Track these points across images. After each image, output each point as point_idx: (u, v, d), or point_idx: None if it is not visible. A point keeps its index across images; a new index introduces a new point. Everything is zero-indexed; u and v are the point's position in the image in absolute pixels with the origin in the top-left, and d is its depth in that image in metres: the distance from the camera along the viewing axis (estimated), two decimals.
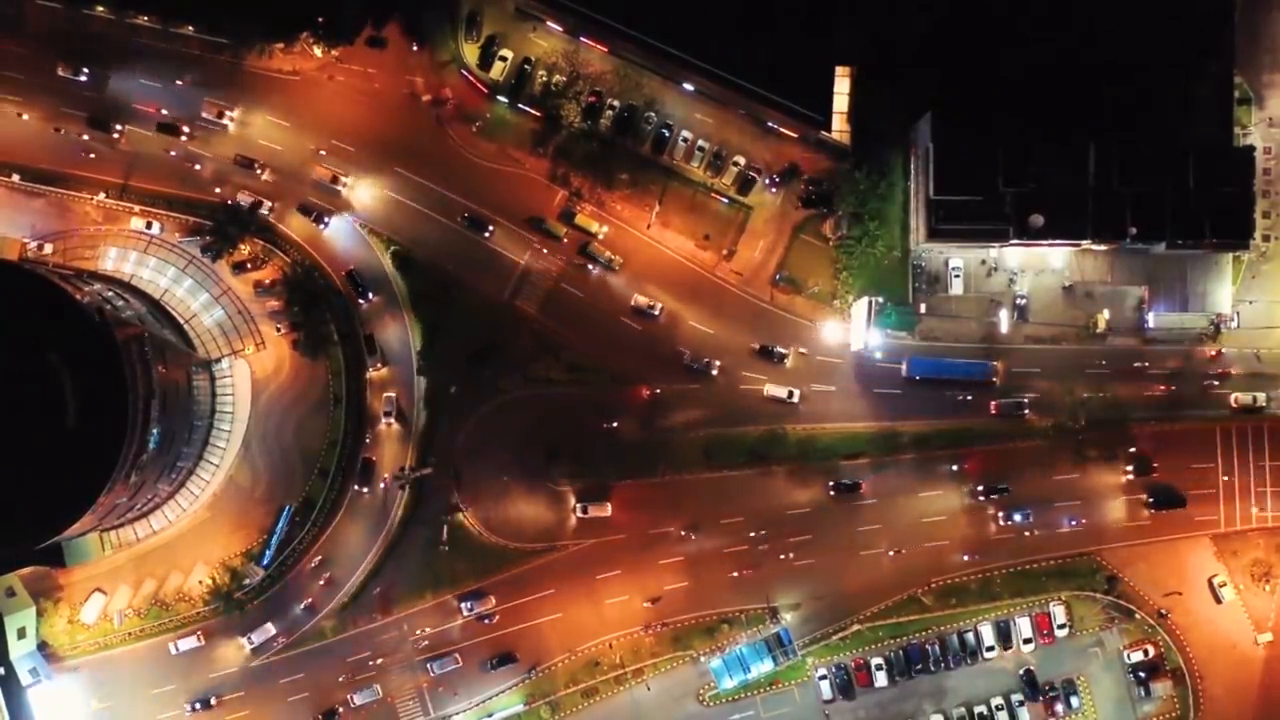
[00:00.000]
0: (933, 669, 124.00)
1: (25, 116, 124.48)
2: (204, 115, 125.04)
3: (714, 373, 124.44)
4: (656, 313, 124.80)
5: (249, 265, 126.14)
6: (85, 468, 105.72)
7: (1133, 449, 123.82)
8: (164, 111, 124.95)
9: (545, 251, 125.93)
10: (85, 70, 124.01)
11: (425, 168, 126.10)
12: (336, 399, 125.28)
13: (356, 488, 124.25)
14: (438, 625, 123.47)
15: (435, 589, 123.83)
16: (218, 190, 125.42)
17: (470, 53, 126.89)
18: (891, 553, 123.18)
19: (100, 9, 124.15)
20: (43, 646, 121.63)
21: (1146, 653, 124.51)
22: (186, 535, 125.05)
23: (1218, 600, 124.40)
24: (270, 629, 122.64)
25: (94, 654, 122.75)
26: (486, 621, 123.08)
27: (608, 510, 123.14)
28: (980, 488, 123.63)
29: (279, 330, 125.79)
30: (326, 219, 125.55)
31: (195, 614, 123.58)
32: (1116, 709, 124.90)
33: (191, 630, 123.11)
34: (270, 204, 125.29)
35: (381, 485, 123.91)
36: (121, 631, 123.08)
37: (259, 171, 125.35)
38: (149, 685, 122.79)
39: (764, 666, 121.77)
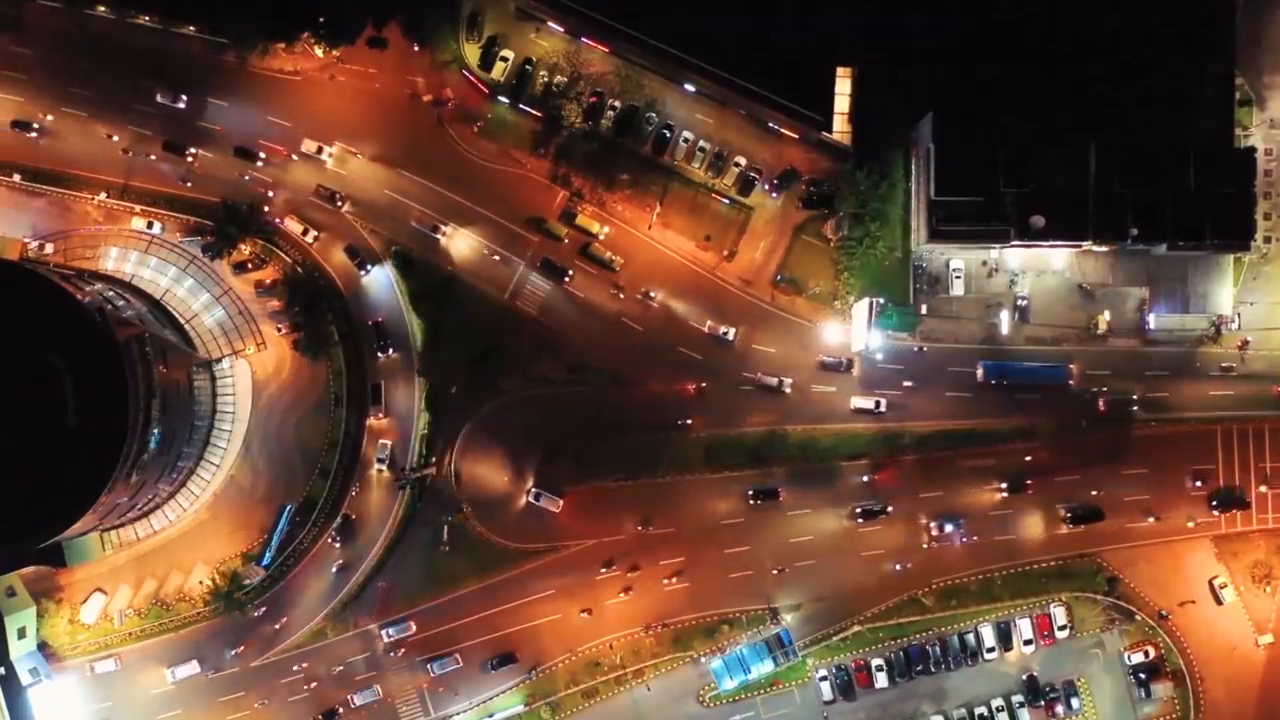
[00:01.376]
0: (933, 670, 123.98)
1: (115, 138, 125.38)
2: (303, 149, 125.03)
3: (785, 389, 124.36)
4: (731, 337, 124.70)
5: (250, 265, 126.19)
6: (86, 467, 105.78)
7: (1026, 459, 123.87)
8: (262, 142, 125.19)
9: (546, 251, 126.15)
10: (184, 97, 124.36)
11: (426, 168, 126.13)
12: (337, 399, 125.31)
13: (331, 541, 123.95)
14: (353, 655, 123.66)
15: (436, 589, 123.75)
16: (279, 221, 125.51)
17: (471, 53, 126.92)
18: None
19: (101, 9, 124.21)
20: (43, 646, 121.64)
21: (1147, 654, 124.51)
22: (187, 535, 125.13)
23: (1218, 602, 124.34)
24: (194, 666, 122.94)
25: (94, 654, 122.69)
26: (393, 655, 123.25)
27: (558, 505, 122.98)
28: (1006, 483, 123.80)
29: (280, 330, 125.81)
30: (370, 266, 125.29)
31: (195, 614, 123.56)
32: (1117, 710, 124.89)
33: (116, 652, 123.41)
34: (317, 234, 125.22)
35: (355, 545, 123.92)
36: (122, 631, 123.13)
37: (339, 204, 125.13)
38: (149, 685, 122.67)
39: (764, 667, 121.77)
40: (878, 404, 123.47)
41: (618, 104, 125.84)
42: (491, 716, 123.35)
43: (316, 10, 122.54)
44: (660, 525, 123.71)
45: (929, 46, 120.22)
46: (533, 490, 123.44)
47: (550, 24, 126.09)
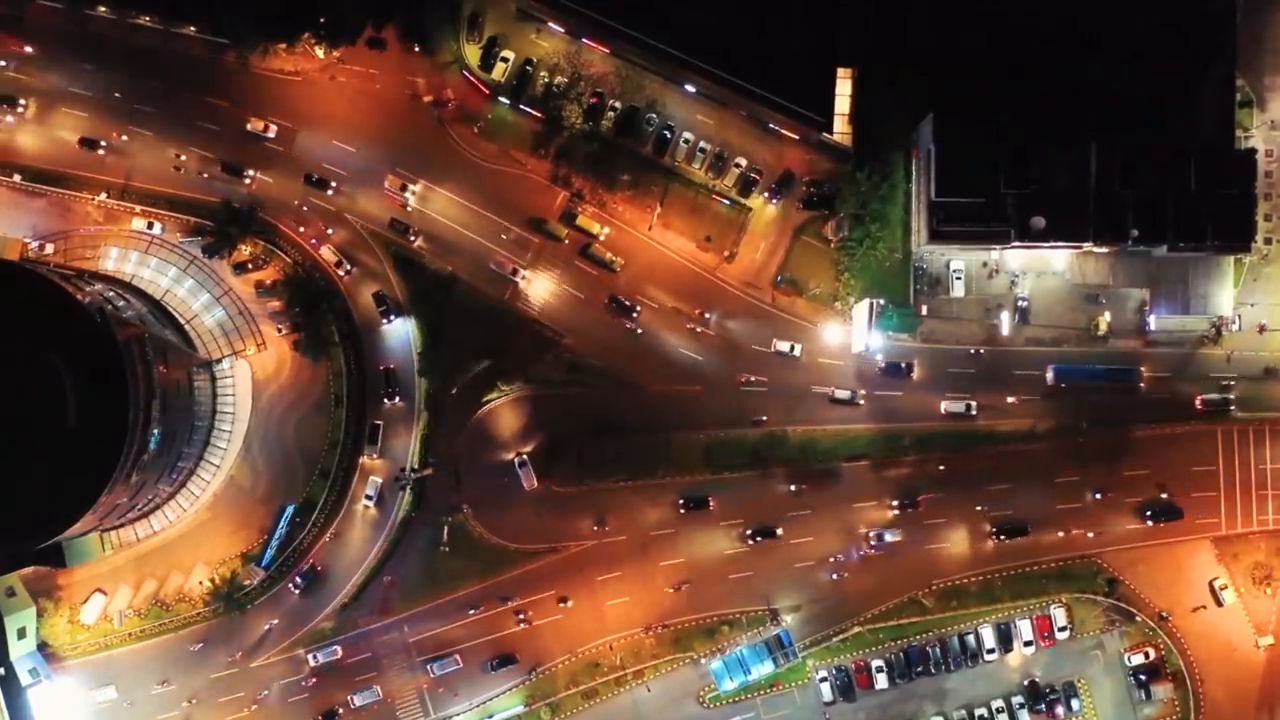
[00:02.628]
0: (933, 671, 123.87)
1: (183, 158, 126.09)
2: (385, 187, 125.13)
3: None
4: (798, 354, 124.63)
5: (250, 266, 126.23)
6: (86, 468, 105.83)
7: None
8: (341, 173, 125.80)
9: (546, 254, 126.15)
10: (274, 127, 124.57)
11: (426, 169, 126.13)
12: (337, 399, 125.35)
13: (292, 587, 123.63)
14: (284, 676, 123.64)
15: (435, 590, 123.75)
16: (324, 253, 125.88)
17: (472, 54, 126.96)
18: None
19: (102, 9, 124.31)
20: (43, 646, 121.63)
21: (1147, 655, 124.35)
22: (187, 535, 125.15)
23: (1219, 603, 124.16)
24: None
25: (94, 654, 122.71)
26: (305, 684, 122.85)
27: (533, 482, 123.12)
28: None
29: (280, 331, 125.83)
30: (394, 316, 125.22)
31: (195, 614, 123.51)
32: (1117, 712, 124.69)
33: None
34: (350, 268, 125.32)
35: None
36: (122, 632, 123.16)
37: (413, 239, 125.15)
38: (149, 685, 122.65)
39: (764, 668, 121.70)
40: (969, 407, 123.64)
41: (618, 105, 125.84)
42: (491, 717, 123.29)
43: (317, 11, 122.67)
44: (661, 526, 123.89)
45: (929, 47, 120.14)
46: (519, 457, 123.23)
47: (551, 25, 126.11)
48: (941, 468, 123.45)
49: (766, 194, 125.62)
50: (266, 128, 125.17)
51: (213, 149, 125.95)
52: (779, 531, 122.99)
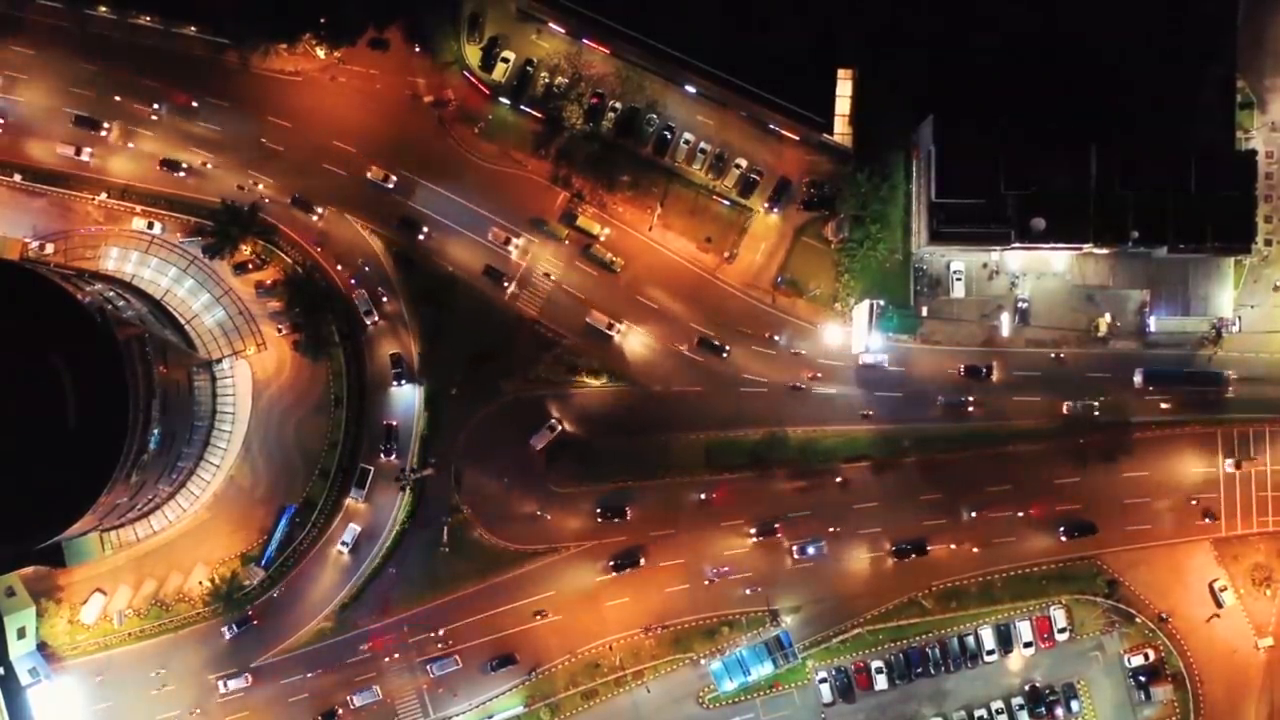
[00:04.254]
0: (933, 672, 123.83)
1: (260, 187, 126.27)
2: (488, 238, 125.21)
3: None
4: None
5: (250, 266, 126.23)
6: (86, 468, 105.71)
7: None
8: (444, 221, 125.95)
9: (546, 253, 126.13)
10: (394, 177, 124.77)
11: (427, 169, 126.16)
12: (337, 400, 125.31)
13: (227, 633, 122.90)
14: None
15: (435, 591, 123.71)
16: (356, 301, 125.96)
17: (472, 54, 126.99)
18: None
19: (102, 9, 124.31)
20: (43, 646, 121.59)
21: (1147, 657, 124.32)
22: (187, 535, 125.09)
23: (1218, 604, 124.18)
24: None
25: (94, 654, 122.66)
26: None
27: (543, 442, 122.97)
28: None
29: (280, 331, 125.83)
30: (405, 381, 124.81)
31: (195, 614, 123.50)
32: (1117, 713, 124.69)
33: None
34: (377, 320, 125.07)
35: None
36: (121, 632, 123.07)
37: (507, 285, 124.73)
38: (149, 686, 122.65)
39: (764, 669, 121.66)
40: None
41: (619, 105, 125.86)
42: (491, 718, 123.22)
43: (318, 11, 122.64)
44: (661, 526, 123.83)
45: (930, 48, 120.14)
46: (552, 421, 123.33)
47: (551, 25, 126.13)
48: (839, 479, 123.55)
49: (766, 203, 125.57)
50: (387, 178, 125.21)
51: (282, 178, 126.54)
52: (641, 560, 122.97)
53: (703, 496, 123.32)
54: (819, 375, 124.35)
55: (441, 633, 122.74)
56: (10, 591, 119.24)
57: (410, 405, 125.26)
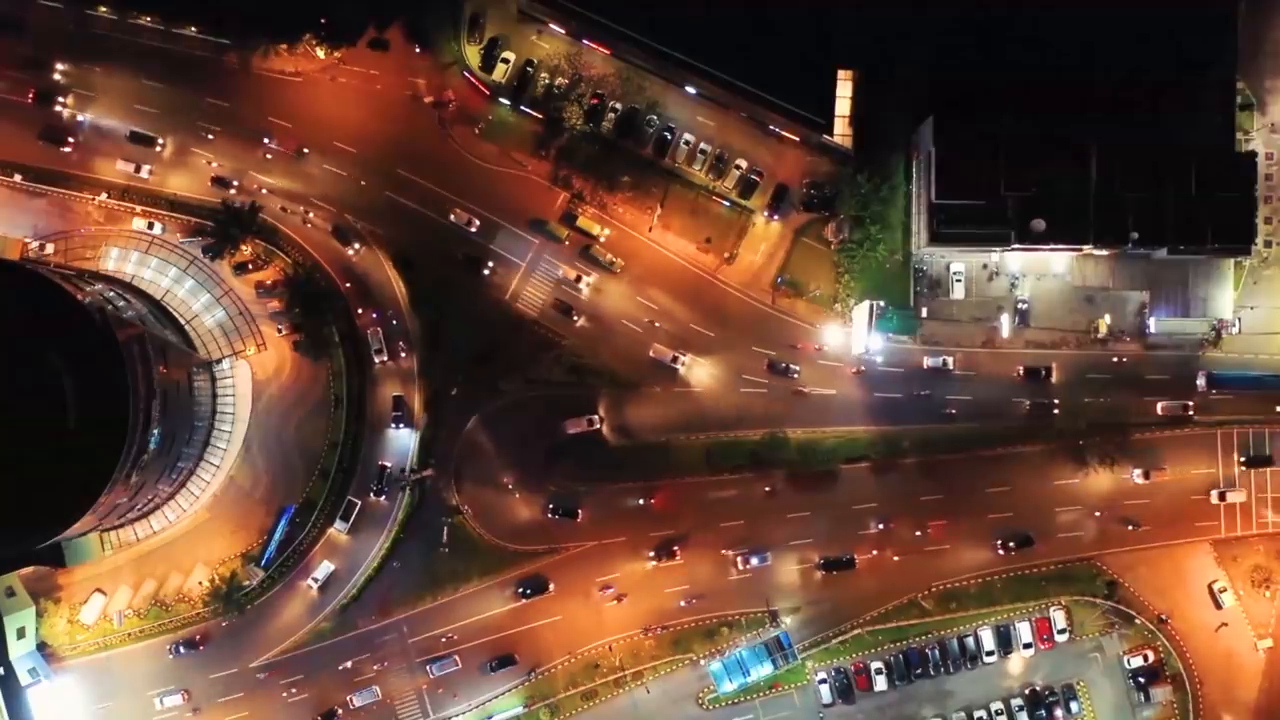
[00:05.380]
0: (933, 673, 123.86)
1: (314, 218, 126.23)
2: (560, 273, 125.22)
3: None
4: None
5: (250, 266, 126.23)
6: (86, 468, 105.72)
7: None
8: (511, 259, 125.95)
9: (546, 254, 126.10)
10: (477, 221, 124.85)
11: (427, 169, 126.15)
12: (337, 400, 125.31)
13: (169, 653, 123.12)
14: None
15: (436, 591, 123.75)
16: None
17: (473, 55, 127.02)
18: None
19: (103, 9, 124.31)
20: (43, 646, 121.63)
21: (1146, 658, 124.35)
22: (187, 536, 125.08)
23: (1218, 606, 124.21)
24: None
25: (94, 654, 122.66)
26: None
27: (591, 424, 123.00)
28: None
29: (280, 331, 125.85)
30: (403, 425, 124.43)
31: (195, 614, 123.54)
32: (1116, 714, 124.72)
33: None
34: (385, 359, 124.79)
35: None
36: (121, 632, 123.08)
37: (576, 319, 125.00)
38: (148, 686, 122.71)
39: (763, 670, 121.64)
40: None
41: (619, 106, 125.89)
42: (491, 718, 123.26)
43: (318, 12, 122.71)
44: (662, 527, 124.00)
45: (930, 49, 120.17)
46: (590, 419, 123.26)
47: (552, 26, 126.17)
48: (767, 489, 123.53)
49: (766, 212, 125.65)
50: (470, 221, 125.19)
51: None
52: (551, 586, 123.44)
53: (641, 501, 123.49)
54: (862, 369, 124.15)
55: (452, 633, 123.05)
56: (10, 591, 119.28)
57: (404, 449, 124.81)
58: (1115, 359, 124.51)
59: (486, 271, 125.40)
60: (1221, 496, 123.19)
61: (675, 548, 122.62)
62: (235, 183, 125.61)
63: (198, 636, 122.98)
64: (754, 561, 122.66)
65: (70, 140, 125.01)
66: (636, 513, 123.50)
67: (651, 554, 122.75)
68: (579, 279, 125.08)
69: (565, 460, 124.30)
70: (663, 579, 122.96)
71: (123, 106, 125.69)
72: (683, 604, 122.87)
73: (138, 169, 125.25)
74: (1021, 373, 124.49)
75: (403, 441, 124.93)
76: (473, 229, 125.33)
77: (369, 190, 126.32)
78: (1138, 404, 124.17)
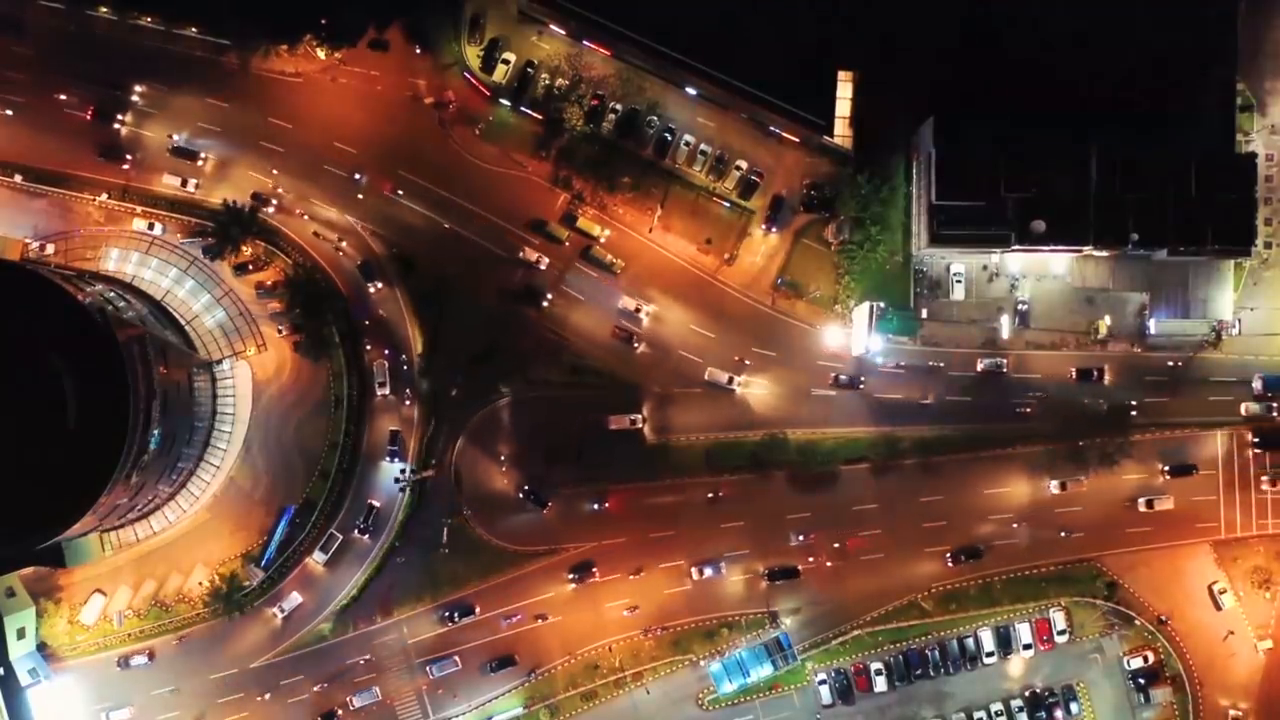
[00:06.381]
0: (932, 674, 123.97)
1: (346, 246, 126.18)
2: (621, 305, 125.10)
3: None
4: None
5: (251, 267, 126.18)
6: (86, 468, 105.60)
7: None
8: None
9: (547, 255, 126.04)
10: (546, 259, 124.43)
11: (427, 170, 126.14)
12: (337, 401, 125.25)
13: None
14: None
15: (435, 592, 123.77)
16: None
17: (473, 56, 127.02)
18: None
19: (103, 10, 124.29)
20: (42, 647, 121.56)
21: (1146, 659, 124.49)
22: (187, 536, 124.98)
23: (1218, 607, 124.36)
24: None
25: (94, 654, 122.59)
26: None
27: (634, 423, 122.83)
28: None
29: (280, 332, 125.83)
30: (397, 459, 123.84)
31: (195, 615, 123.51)
32: (1116, 715, 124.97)
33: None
34: (388, 393, 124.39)
35: None
36: (121, 632, 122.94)
37: (636, 346, 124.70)
38: (148, 686, 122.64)
39: (763, 671, 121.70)
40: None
41: (619, 107, 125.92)
42: (491, 719, 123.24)
43: (318, 12, 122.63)
44: (661, 528, 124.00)
45: (930, 50, 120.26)
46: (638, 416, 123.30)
47: (552, 27, 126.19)
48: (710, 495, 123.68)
49: (764, 225, 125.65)
50: (539, 260, 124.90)
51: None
52: (476, 610, 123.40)
53: (596, 506, 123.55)
54: (900, 364, 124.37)
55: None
56: (10, 592, 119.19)
57: (396, 488, 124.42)
58: (1171, 363, 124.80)
59: (545, 303, 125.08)
60: (1149, 504, 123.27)
61: (594, 569, 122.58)
62: (275, 201, 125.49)
63: (148, 652, 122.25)
64: (708, 572, 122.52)
65: (128, 157, 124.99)
66: (604, 517, 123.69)
67: (571, 575, 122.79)
68: (638, 309, 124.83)
69: (565, 461, 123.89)
70: (601, 594, 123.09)
71: (190, 125, 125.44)
72: (625, 613, 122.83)
73: (184, 183, 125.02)
74: (1074, 374, 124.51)
75: (395, 475, 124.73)
76: (541, 265, 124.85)
77: (415, 218, 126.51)
78: (1202, 404, 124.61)
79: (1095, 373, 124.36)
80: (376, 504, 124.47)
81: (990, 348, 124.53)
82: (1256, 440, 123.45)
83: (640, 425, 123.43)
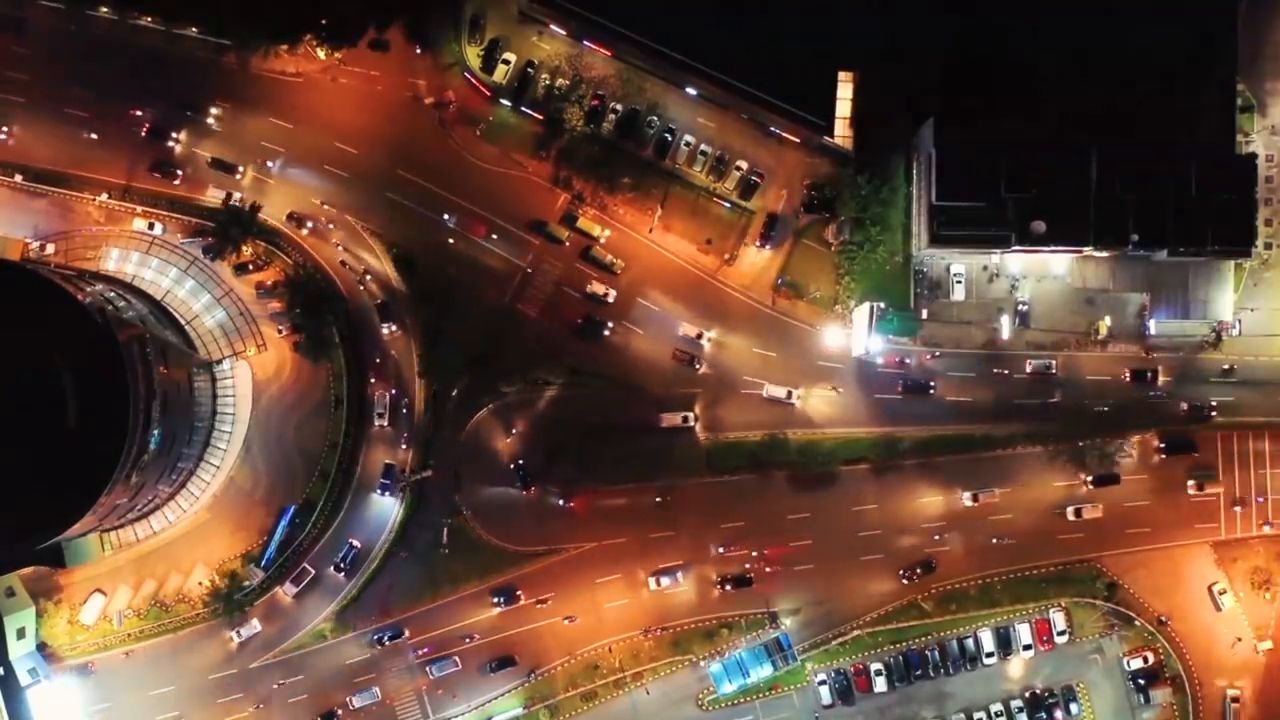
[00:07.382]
0: (932, 675, 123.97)
1: (371, 281, 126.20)
2: (681, 333, 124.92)
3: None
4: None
5: (251, 267, 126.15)
6: (86, 468, 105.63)
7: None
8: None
9: (547, 256, 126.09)
10: (613, 292, 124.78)
11: (427, 170, 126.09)
12: (337, 401, 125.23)
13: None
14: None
15: (435, 592, 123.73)
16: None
17: (473, 56, 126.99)
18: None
19: (104, 10, 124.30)
20: (42, 647, 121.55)
21: (1146, 660, 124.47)
22: (187, 536, 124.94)
23: (1218, 607, 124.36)
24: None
25: (94, 654, 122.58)
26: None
27: (686, 420, 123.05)
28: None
29: (280, 332, 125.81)
30: (388, 493, 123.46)
31: (195, 615, 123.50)
32: (1116, 716, 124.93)
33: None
34: (385, 424, 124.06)
35: None
36: (121, 632, 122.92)
37: (698, 368, 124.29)
38: (148, 686, 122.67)
39: (763, 671, 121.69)
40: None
41: (619, 107, 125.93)
42: (490, 719, 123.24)
43: (318, 13, 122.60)
44: (662, 528, 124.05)
45: (930, 51, 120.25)
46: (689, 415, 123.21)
47: (552, 27, 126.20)
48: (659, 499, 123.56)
49: (758, 242, 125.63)
50: (606, 293, 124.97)
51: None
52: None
53: (561, 502, 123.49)
54: (934, 353, 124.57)
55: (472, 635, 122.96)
56: (10, 591, 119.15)
57: (381, 522, 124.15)
58: (1226, 366, 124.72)
59: (607, 332, 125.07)
60: (1077, 513, 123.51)
61: (518, 591, 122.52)
62: (310, 223, 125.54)
63: (91, 664, 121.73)
64: (664, 581, 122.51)
65: (179, 173, 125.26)
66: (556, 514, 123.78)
67: (495, 598, 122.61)
68: (700, 335, 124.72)
69: (564, 462, 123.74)
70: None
71: (254, 146, 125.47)
72: (566, 621, 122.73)
73: (229, 197, 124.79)
74: (1128, 375, 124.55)
75: (384, 508, 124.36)
76: (609, 299, 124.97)
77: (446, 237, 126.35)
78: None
79: (1149, 374, 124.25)
80: (358, 544, 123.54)
81: (990, 348, 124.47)
82: None
83: (692, 423, 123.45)
